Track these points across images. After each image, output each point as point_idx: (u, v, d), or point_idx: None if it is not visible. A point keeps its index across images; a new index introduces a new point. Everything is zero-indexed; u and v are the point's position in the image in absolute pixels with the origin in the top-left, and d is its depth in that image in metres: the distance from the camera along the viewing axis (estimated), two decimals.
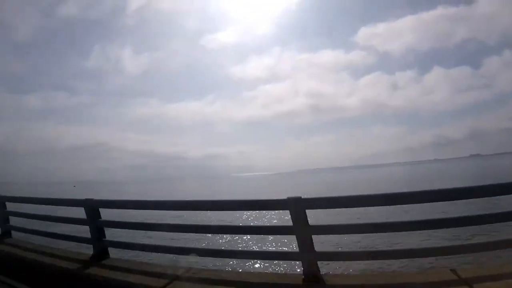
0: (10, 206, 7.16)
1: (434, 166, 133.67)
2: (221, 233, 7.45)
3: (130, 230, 5.80)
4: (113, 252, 5.34)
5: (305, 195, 4.06)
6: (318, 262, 3.92)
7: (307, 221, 3.87)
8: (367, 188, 37.85)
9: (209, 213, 8.99)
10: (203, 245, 7.22)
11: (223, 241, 9.73)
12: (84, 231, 5.41)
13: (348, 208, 4.42)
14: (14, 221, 7.18)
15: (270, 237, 10.52)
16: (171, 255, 5.22)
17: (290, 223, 3.94)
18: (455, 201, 3.94)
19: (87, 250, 5.45)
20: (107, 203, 5.72)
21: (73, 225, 5.93)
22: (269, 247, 10.26)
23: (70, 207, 6.10)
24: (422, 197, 3.73)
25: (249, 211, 13.87)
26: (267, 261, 7.80)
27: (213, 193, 46.70)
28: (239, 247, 10.01)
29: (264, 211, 14.69)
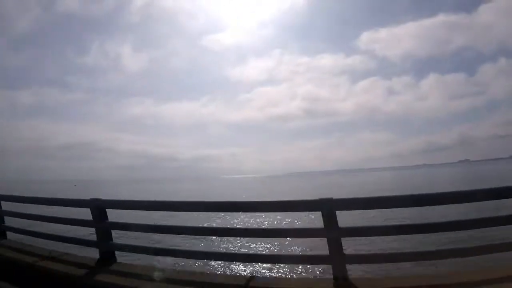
0: (6, 206, 6.67)
1: (422, 172, 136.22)
2: (246, 237, 7.11)
3: (140, 233, 5.42)
4: (120, 256, 4.99)
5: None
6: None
7: (337, 222, 3.75)
8: (351, 192, 37.91)
9: (228, 215, 8.60)
10: (230, 249, 6.79)
11: (246, 245, 9.14)
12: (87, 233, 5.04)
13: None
14: (10, 221, 6.69)
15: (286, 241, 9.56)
16: (186, 260, 4.87)
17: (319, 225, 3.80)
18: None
19: (93, 253, 5.09)
20: (115, 203, 5.34)
21: (76, 227, 5.55)
22: (294, 250, 9.47)
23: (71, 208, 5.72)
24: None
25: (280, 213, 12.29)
26: (294, 265, 7.48)
27: (206, 194, 46.21)
28: (264, 251, 9.51)
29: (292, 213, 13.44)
